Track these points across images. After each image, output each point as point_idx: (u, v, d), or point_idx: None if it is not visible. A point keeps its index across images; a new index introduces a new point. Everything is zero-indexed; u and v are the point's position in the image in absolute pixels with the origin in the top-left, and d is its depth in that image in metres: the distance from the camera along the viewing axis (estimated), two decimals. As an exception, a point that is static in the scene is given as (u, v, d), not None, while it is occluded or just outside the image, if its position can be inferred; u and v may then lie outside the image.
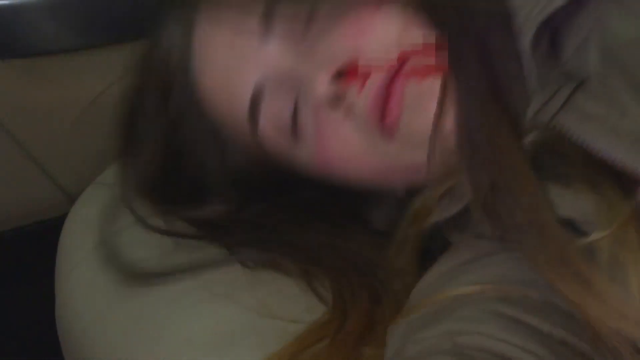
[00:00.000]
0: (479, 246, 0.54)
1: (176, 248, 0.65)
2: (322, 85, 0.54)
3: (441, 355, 0.45)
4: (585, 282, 0.46)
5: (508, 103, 0.53)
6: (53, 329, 0.71)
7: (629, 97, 0.49)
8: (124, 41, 0.81)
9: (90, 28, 0.83)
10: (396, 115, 0.54)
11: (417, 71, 0.53)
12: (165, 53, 0.62)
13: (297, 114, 0.57)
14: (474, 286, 0.51)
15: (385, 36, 0.55)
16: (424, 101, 0.53)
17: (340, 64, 0.54)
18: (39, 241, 0.74)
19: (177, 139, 0.64)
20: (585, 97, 0.52)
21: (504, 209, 0.51)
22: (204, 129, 0.63)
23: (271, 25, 0.57)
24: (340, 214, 0.66)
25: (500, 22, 0.54)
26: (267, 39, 0.57)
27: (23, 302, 0.86)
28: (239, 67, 0.58)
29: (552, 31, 0.53)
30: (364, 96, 0.54)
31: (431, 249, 0.59)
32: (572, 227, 0.51)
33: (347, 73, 0.54)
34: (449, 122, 0.53)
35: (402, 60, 0.54)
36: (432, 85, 0.53)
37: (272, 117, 0.58)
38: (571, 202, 0.51)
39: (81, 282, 0.68)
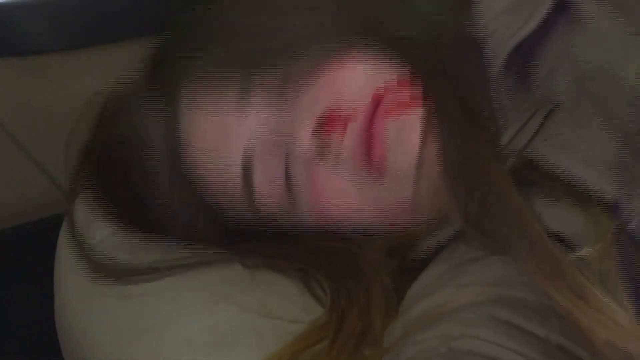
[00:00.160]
0: (475, 247, 0.54)
1: (169, 249, 0.65)
2: (306, 138, 0.55)
3: (436, 358, 0.45)
4: (577, 294, 0.47)
5: (486, 128, 0.54)
6: (53, 329, 0.71)
7: (598, 126, 0.50)
8: (124, 40, 0.81)
9: (90, 26, 0.83)
10: (381, 154, 0.54)
11: (394, 108, 0.54)
12: (149, 141, 0.63)
13: (289, 172, 0.58)
14: (472, 288, 0.51)
15: (356, 80, 0.56)
16: (406, 136, 0.54)
17: (318, 115, 0.55)
18: (38, 240, 0.74)
19: (168, 213, 0.65)
20: (558, 124, 0.53)
21: (494, 229, 0.51)
22: (197, 206, 0.64)
23: (249, 98, 0.58)
24: None
25: (470, 50, 0.55)
26: (247, 110, 0.58)
27: (22, 301, 0.85)
28: (225, 143, 0.59)
29: (522, 56, 0.54)
30: (347, 141, 0.55)
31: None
32: (562, 241, 0.51)
33: (327, 122, 0.55)
34: (432, 151, 0.53)
35: (378, 100, 0.55)
36: (412, 119, 0.54)
37: (266, 181, 0.59)
38: (560, 216, 0.52)
39: (80, 282, 0.68)
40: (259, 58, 0.57)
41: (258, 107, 0.58)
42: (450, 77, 0.55)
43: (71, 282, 0.69)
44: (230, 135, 0.59)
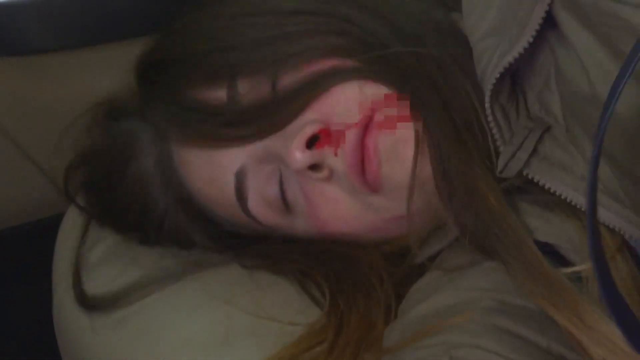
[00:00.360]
0: (473, 252, 0.54)
1: (163, 255, 0.66)
2: (298, 154, 0.55)
3: None
4: (574, 311, 0.47)
5: (478, 146, 0.54)
6: (52, 329, 0.71)
7: (603, 159, 0.49)
8: (123, 40, 0.81)
9: (90, 26, 0.82)
10: (375, 168, 0.55)
11: (385, 122, 0.54)
12: (146, 168, 0.64)
13: (283, 188, 0.58)
14: (471, 292, 0.51)
15: (345, 98, 0.55)
16: (400, 150, 0.54)
17: (310, 133, 0.55)
18: (37, 240, 0.74)
19: (166, 227, 0.65)
20: (552, 144, 0.52)
21: (488, 243, 0.52)
22: (196, 216, 0.64)
23: (238, 121, 0.57)
24: None
25: (457, 66, 0.56)
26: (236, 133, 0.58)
27: (22, 301, 0.85)
28: (218, 158, 0.59)
29: (514, 75, 0.54)
30: (340, 156, 0.55)
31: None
32: (557, 254, 0.51)
33: (319, 139, 0.55)
34: (426, 166, 0.54)
35: (368, 115, 0.55)
36: (405, 133, 0.54)
37: (261, 195, 0.59)
38: (555, 230, 0.52)
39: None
40: (244, 69, 0.57)
41: (247, 130, 0.57)
42: (438, 94, 0.54)
43: (65, 283, 0.69)
44: (222, 157, 0.59)
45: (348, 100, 0.55)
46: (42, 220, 0.86)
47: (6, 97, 0.80)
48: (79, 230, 0.70)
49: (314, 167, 0.56)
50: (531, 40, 0.50)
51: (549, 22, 0.51)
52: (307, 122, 0.55)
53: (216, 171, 0.59)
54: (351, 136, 0.54)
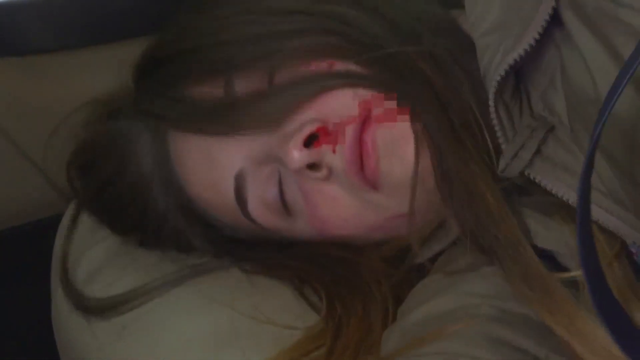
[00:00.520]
0: (474, 255, 0.54)
1: (162, 259, 0.65)
2: (296, 153, 0.54)
3: None
4: (570, 320, 0.46)
5: (477, 141, 0.54)
6: (52, 329, 0.71)
7: (603, 161, 0.49)
8: (123, 40, 0.81)
9: (89, 26, 0.82)
10: (374, 164, 0.54)
11: (383, 116, 0.54)
12: (145, 171, 0.63)
13: (282, 190, 0.58)
14: (472, 298, 0.50)
15: (342, 97, 0.55)
16: (399, 146, 0.54)
17: (308, 132, 0.55)
18: (37, 240, 0.74)
19: (166, 229, 0.65)
20: (555, 145, 0.52)
21: (487, 244, 0.52)
22: (195, 220, 0.64)
23: (235, 123, 0.57)
24: None
25: (456, 64, 0.55)
26: (234, 135, 0.57)
27: (22, 301, 0.85)
28: (217, 161, 0.59)
29: (518, 73, 0.53)
30: (339, 153, 0.55)
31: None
32: (554, 260, 0.51)
33: (317, 138, 0.55)
34: (427, 164, 0.53)
35: (365, 110, 0.54)
36: (403, 129, 0.54)
37: (260, 198, 0.59)
38: (553, 235, 0.52)
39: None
40: (241, 68, 0.57)
41: (245, 131, 0.57)
42: (435, 93, 0.54)
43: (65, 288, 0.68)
44: (220, 155, 0.58)
45: (345, 99, 0.55)
46: (42, 220, 0.86)
47: (6, 97, 0.80)
48: (77, 232, 0.70)
49: (313, 166, 0.56)
50: (538, 37, 0.50)
51: (555, 20, 0.50)
52: (305, 121, 0.55)
53: (215, 174, 0.59)
54: (349, 132, 0.54)
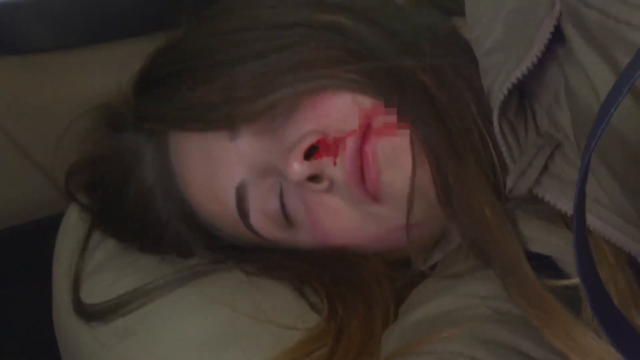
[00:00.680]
0: (477, 259, 0.54)
1: (162, 261, 0.65)
2: (297, 166, 0.54)
3: None
4: (566, 332, 0.46)
5: (477, 153, 0.53)
6: (52, 329, 0.71)
7: (599, 171, 0.48)
8: (123, 39, 0.81)
9: (89, 25, 0.82)
10: (375, 176, 0.54)
11: (384, 129, 0.54)
12: (147, 183, 0.63)
13: (284, 202, 0.58)
14: (471, 299, 0.50)
15: (341, 108, 0.55)
16: (400, 157, 0.54)
17: (308, 144, 0.54)
18: (37, 240, 0.74)
19: (169, 234, 0.65)
20: (562, 161, 0.51)
21: (486, 256, 0.51)
22: (197, 229, 0.64)
23: (237, 127, 0.57)
24: None
25: (458, 75, 0.55)
26: (236, 139, 0.57)
27: (22, 301, 0.85)
28: (218, 172, 0.59)
29: (521, 88, 0.53)
30: (340, 165, 0.54)
31: None
32: (555, 267, 0.51)
33: (318, 150, 0.55)
34: (426, 176, 0.53)
35: (365, 122, 0.54)
36: (404, 141, 0.53)
37: (262, 210, 0.59)
38: (553, 242, 0.51)
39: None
40: (240, 91, 0.56)
41: (246, 135, 0.57)
42: (433, 105, 0.54)
43: (65, 285, 0.68)
44: (221, 164, 0.58)
45: (344, 110, 0.55)
46: (42, 220, 0.86)
47: (6, 97, 0.80)
48: (78, 235, 0.70)
49: (314, 178, 0.55)
50: (540, 55, 0.49)
51: (557, 36, 0.50)
52: (305, 134, 0.55)
53: (216, 184, 0.59)
54: (350, 143, 0.54)
